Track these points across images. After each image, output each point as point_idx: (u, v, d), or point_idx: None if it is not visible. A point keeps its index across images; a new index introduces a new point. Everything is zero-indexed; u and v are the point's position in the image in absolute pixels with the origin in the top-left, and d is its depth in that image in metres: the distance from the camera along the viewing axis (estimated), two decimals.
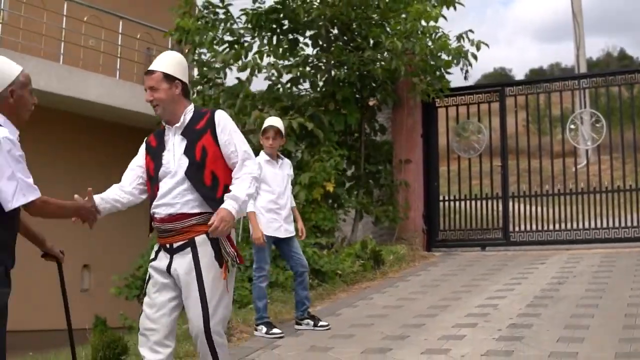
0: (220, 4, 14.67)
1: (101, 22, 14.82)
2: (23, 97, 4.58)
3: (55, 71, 13.37)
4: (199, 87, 14.71)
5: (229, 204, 4.88)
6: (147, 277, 5.15)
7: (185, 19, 14.32)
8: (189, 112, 5.16)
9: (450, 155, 16.63)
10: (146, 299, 5.07)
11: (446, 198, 16.34)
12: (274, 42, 14.63)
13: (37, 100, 4.74)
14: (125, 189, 5.24)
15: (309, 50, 15.20)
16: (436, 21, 14.48)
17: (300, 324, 8.73)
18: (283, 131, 8.82)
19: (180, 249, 4.95)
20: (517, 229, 16.03)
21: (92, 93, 13.73)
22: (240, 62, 14.09)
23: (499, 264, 13.32)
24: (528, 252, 14.68)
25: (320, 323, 8.66)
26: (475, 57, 14.80)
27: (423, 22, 14.40)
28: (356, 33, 14.86)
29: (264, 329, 8.41)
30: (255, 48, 14.45)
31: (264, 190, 8.49)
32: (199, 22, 14.42)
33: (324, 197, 13.60)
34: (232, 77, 14.76)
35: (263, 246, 8.45)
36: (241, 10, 14.56)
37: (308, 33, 15.02)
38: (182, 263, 4.91)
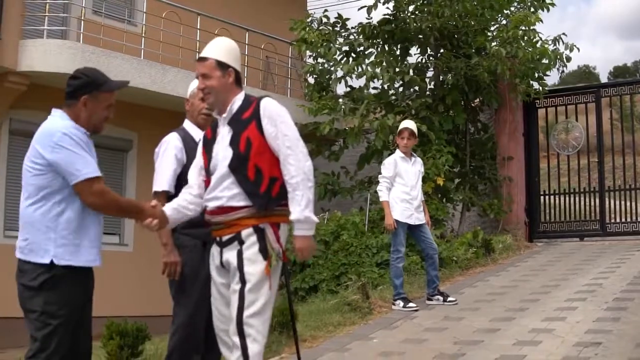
0: (338, 18, 16.07)
1: (230, 34, 16.25)
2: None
3: (191, 80, 14.78)
4: (318, 94, 16.07)
5: (299, 230, 4.78)
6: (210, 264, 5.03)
7: (309, 32, 15.72)
8: (237, 100, 4.93)
9: (549, 152, 17.79)
10: (212, 299, 4.99)
11: (546, 192, 17.51)
12: (387, 51, 15.96)
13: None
14: (193, 191, 5.09)
15: (415, 58, 16.55)
16: (533, 24, 15.62)
17: (431, 300, 10.05)
18: (416, 133, 10.16)
19: (229, 242, 4.81)
20: (613, 220, 17.13)
21: None
22: (357, 70, 15.45)
23: (598, 251, 14.47)
24: (624, 242, 15.77)
25: (449, 299, 9.98)
26: (569, 59, 15.97)
27: (522, 27, 15.59)
28: (462, 40, 16.06)
29: (401, 304, 9.76)
30: (369, 57, 15.81)
31: (399, 183, 9.89)
32: (319, 34, 15.79)
33: (434, 191, 14.87)
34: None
35: (395, 232, 9.77)
36: (359, 24, 15.95)
37: (413, 42, 16.33)
38: (231, 256, 4.77)
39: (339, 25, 16.26)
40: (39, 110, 13.56)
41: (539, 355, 6.93)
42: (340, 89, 16.80)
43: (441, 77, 15.99)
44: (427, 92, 16.19)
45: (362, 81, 15.83)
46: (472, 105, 16.98)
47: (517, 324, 8.51)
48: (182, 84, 14.46)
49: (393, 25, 15.94)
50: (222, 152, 4.85)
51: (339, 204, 16.78)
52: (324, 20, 16.31)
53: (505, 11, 16.35)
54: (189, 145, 5.83)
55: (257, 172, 4.76)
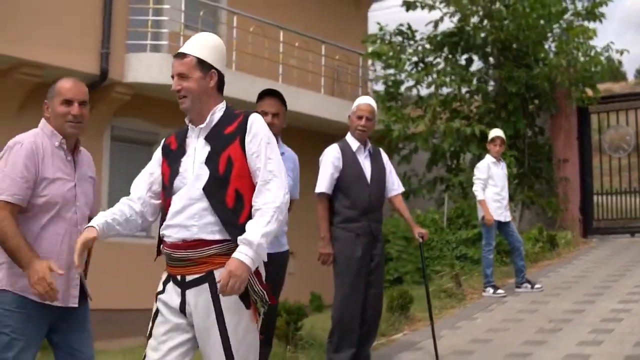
0: (408, 31, 17.43)
1: (308, 46, 17.65)
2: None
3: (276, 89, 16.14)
4: (389, 104, 17.42)
5: (241, 253, 3.83)
6: (153, 313, 4.13)
7: (380, 45, 17.09)
8: (218, 111, 4.19)
9: (602, 154, 19.09)
10: (151, 341, 4.07)
11: (599, 192, 18.83)
12: (452, 61, 17.28)
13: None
14: (135, 206, 4.25)
15: (477, 66, 17.87)
16: (592, 38, 16.90)
17: (520, 287, 11.33)
18: (505, 140, 11.46)
19: (195, 283, 3.97)
20: None
21: (305, 107, 16.42)
22: (427, 79, 16.81)
23: None
24: None
25: (536, 285, 11.25)
26: (620, 64, 17.30)
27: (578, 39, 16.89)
28: (522, 51, 17.31)
29: (491, 290, 11.07)
30: (436, 67, 17.16)
31: (490, 185, 11.19)
32: (390, 47, 17.16)
33: None
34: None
35: (491, 227, 11.08)
36: (427, 36, 17.29)
37: (477, 52, 17.65)
38: (199, 303, 3.94)
39: (408, 37, 17.57)
40: (138, 118, 15.07)
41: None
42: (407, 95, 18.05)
43: (502, 85, 17.24)
44: (490, 99, 17.43)
45: (424, 87, 17.29)
46: (530, 110, 18.23)
47: (597, 306, 9.84)
48: None
49: (457, 37, 17.24)
50: (195, 170, 4.07)
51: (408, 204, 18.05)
52: (395, 32, 17.61)
53: (560, 22, 17.58)
54: (347, 154, 7.24)
55: (238, 198, 4.02)
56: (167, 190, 4.14)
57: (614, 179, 19.04)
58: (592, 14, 17.44)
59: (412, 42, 17.64)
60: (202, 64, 4.13)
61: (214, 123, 4.15)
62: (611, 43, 17.21)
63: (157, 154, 4.32)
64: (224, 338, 3.89)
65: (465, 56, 17.56)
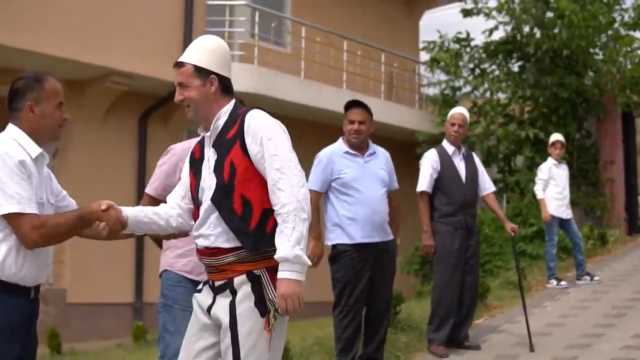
0: (465, 40, 18.49)
1: (369, 54, 18.74)
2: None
3: (340, 96, 17.15)
4: (445, 110, 18.45)
5: (283, 271, 3.82)
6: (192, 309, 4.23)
7: (439, 52, 18.18)
8: (222, 115, 4.07)
9: None
10: (184, 341, 4.18)
11: None
12: (507, 67, 18.32)
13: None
14: (173, 210, 4.28)
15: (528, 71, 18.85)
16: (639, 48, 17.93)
17: (580, 279, 12.35)
18: (565, 143, 12.48)
19: (222, 289, 4.01)
20: None
21: None
22: (484, 86, 17.88)
23: None
24: None
25: (595, 278, 12.28)
26: None
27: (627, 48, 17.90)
28: (572, 59, 18.27)
29: (555, 282, 12.13)
30: (492, 73, 18.23)
31: (552, 185, 12.23)
32: (449, 54, 18.24)
33: None
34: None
35: (550, 224, 12.12)
36: (483, 45, 18.35)
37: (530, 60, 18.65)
38: (222, 307, 3.97)
39: (464, 45, 18.63)
40: None
41: None
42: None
43: (554, 91, 18.20)
44: (542, 104, 18.39)
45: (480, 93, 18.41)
46: (578, 115, 19.20)
47: None
48: (336, 100, 16.85)
49: (511, 45, 18.27)
50: (207, 181, 4.05)
51: None
52: (453, 40, 18.67)
53: (609, 32, 18.54)
54: (444, 158, 8.41)
55: (245, 204, 3.93)
56: (195, 202, 4.15)
57: None
58: (638, 25, 18.40)
59: (468, 49, 18.66)
60: (199, 71, 4.04)
61: (219, 129, 4.06)
62: None
63: (187, 163, 4.31)
64: (235, 342, 3.88)
65: (518, 63, 18.52)
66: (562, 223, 12.34)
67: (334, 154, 7.15)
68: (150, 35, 14.21)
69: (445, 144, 8.59)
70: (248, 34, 16.35)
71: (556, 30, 17.66)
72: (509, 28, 18.33)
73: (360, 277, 6.97)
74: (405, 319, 9.11)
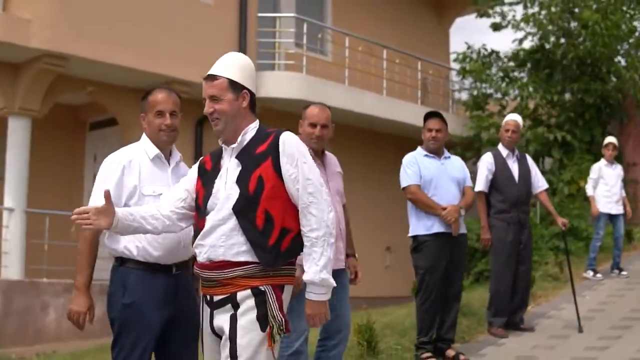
0: (493, 52, 19.66)
1: (407, 62, 19.80)
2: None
3: (380, 102, 18.23)
4: (476, 112, 19.56)
5: (310, 293, 4.04)
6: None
7: (472, 63, 19.30)
8: (250, 130, 4.19)
9: None
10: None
11: None
12: (535, 75, 19.39)
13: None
14: (162, 210, 4.31)
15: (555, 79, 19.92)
16: None
17: (612, 272, 13.49)
18: (617, 145, 13.63)
19: (221, 304, 4.04)
20: None
21: (404, 116, 18.44)
22: (514, 92, 18.99)
23: None
24: None
25: (623, 272, 13.44)
26: None
27: None
28: (597, 66, 19.31)
29: (591, 273, 13.27)
30: (520, 80, 19.33)
31: (602, 183, 13.32)
32: (479, 64, 19.36)
33: (577, 191, 18.16)
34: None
35: (598, 219, 13.30)
36: (512, 54, 19.46)
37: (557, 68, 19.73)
38: (223, 321, 4.01)
39: (494, 56, 19.78)
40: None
41: None
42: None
43: (579, 96, 19.20)
44: (568, 109, 19.41)
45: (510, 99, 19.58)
46: (603, 119, 20.24)
47: None
48: (376, 106, 17.92)
49: (539, 54, 19.34)
50: (226, 190, 4.08)
51: None
52: (482, 51, 19.81)
53: (631, 40, 19.56)
54: (498, 160, 9.48)
55: (267, 219, 3.99)
56: (200, 211, 4.17)
57: None
58: None
59: (497, 58, 19.78)
60: (233, 86, 4.15)
61: (245, 142, 4.13)
62: None
63: (193, 172, 4.36)
64: (233, 354, 3.91)
65: (546, 71, 19.58)
66: (611, 218, 13.45)
67: (417, 157, 8.16)
68: (207, 47, 15.01)
69: (500, 147, 9.68)
70: (293, 44, 17.37)
71: (580, 39, 18.73)
72: (536, 38, 19.40)
73: (438, 264, 7.96)
74: (465, 305, 10.14)
